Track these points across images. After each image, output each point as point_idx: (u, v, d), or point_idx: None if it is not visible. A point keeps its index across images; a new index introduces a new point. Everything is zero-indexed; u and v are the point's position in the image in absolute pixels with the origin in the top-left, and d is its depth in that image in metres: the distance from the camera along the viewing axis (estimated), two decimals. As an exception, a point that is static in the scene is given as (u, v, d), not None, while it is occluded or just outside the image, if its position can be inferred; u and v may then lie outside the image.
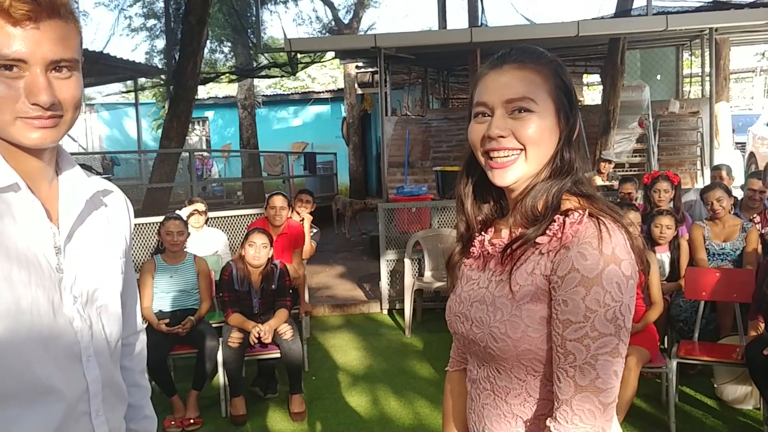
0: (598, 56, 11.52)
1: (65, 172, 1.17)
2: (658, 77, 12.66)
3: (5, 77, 0.99)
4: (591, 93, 20.10)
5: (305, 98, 21.08)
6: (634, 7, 9.27)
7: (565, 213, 1.10)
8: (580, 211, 1.09)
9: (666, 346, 4.56)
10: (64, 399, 1.08)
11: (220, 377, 4.23)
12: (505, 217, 1.23)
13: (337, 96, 19.79)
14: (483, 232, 1.25)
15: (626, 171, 9.18)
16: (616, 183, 7.43)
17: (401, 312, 6.37)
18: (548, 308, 1.07)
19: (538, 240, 1.10)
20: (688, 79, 13.22)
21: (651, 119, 9.63)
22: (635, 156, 9.86)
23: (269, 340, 4.14)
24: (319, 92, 21.42)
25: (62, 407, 1.08)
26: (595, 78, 16.44)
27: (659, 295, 3.99)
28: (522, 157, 1.13)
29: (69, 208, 1.13)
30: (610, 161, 8.24)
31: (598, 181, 7.91)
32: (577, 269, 1.02)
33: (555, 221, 1.09)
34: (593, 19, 9.92)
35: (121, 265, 1.26)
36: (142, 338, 1.44)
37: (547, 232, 1.09)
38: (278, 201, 5.21)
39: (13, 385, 1.02)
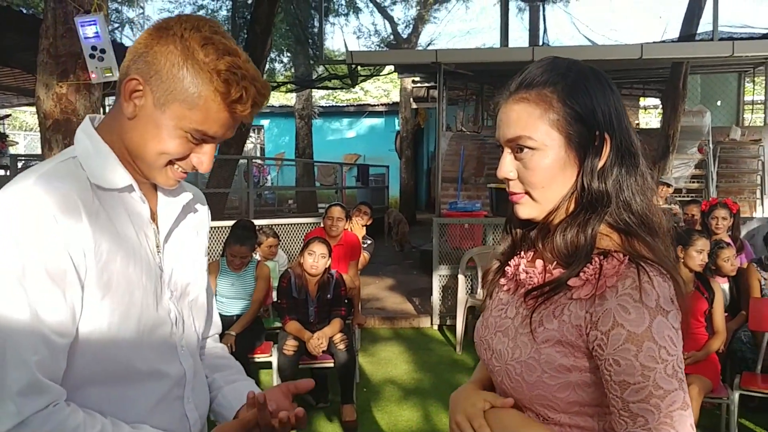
0: (657, 80, 11.37)
1: None
2: (719, 103, 12.41)
3: (188, 140, 1.12)
4: (647, 117, 19.77)
5: (360, 110, 21.30)
6: (699, 31, 9.12)
7: (604, 254, 1.01)
8: (621, 255, 1.00)
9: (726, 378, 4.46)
10: (163, 383, 1.18)
11: (274, 384, 4.31)
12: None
13: (390, 110, 19.95)
14: (523, 253, 1.17)
15: (683, 196, 9.03)
16: (674, 207, 7.31)
17: (452, 328, 6.37)
18: (572, 358, 1.01)
19: (569, 282, 1.02)
20: (749, 107, 12.92)
21: (711, 145, 9.45)
22: (693, 182, 9.69)
23: (324, 347, 4.21)
24: (374, 105, 21.61)
25: (161, 390, 1.18)
26: (652, 101, 16.19)
27: (722, 324, 3.92)
28: (528, 198, 1.08)
29: (168, 211, 1.24)
30: (669, 185, 8.11)
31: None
32: (621, 324, 0.95)
33: (591, 263, 1.01)
34: (657, 42, 9.79)
35: (205, 263, 1.37)
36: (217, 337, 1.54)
37: (581, 275, 1.01)
38: (336, 212, 5.31)
39: (121, 368, 1.12)
